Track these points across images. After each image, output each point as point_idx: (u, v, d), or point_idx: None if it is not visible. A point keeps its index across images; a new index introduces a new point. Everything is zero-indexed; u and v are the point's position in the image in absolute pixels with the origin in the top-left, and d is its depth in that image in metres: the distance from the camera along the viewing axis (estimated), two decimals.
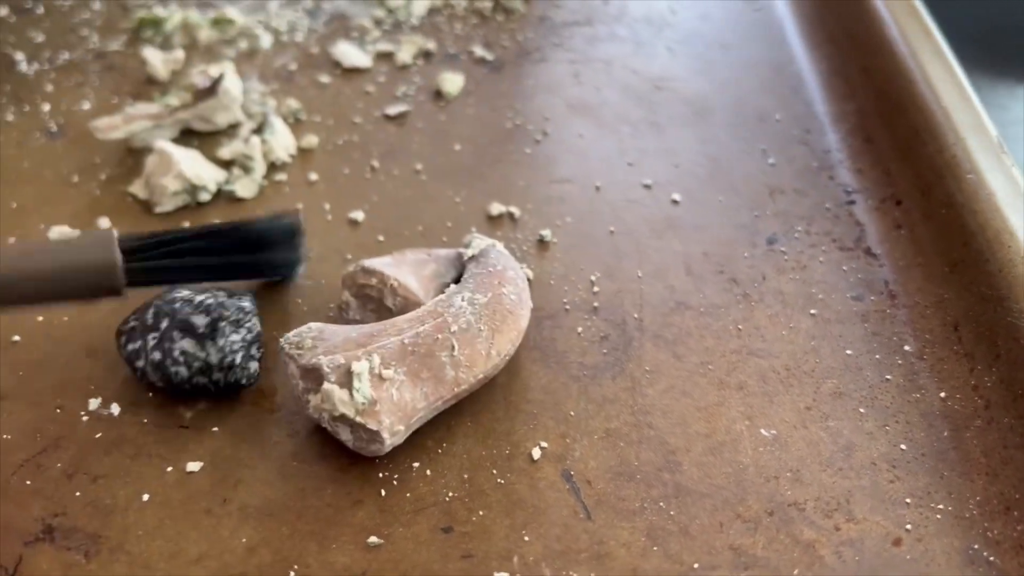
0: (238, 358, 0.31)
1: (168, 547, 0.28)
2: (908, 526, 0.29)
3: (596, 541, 0.28)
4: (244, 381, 0.32)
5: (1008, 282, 0.33)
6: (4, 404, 0.33)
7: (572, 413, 0.32)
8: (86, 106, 0.49)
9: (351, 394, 0.28)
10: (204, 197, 0.42)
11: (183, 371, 0.31)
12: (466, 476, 0.30)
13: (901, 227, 0.40)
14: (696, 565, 0.28)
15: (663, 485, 0.30)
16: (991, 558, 0.28)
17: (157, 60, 0.51)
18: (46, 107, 0.49)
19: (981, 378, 0.33)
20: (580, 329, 0.35)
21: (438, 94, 0.49)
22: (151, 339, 0.31)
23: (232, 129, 0.46)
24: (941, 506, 0.29)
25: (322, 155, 0.45)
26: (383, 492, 0.30)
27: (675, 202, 0.42)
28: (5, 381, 0.34)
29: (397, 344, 0.30)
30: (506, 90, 0.50)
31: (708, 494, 0.30)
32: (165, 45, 0.54)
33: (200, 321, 0.31)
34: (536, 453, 0.31)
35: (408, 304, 0.33)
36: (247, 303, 0.32)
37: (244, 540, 0.28)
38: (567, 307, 0.36)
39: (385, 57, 0.53)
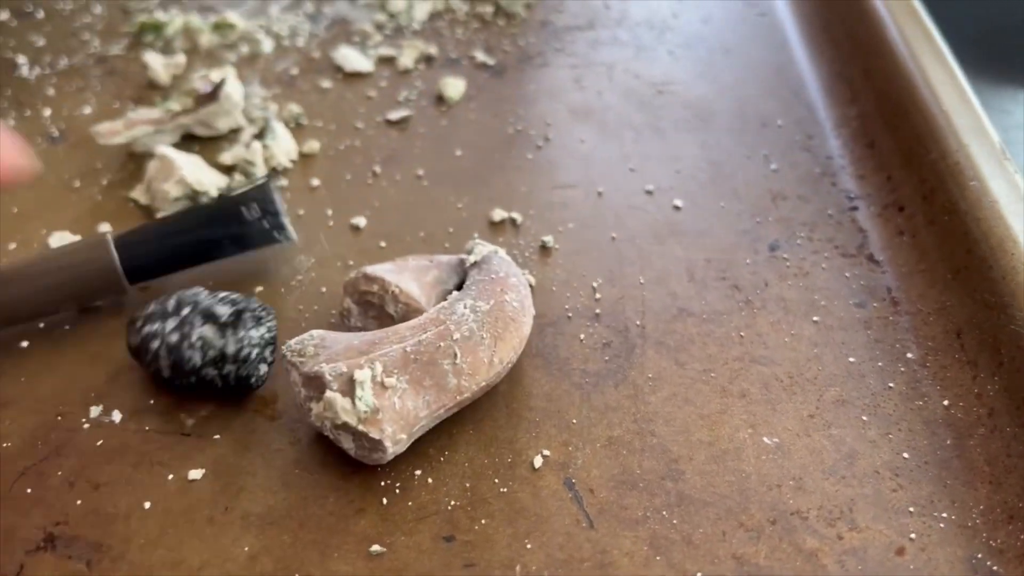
0: (253, 353, 0.32)
1: (170, 556, 0.28)
2: (912, 535, 0.29)
3: (599, 550, 0.28)
4: (253, 381, 0.32)
5: (1011, 289, 0.33)
6: (6, 411, 0.33)
7: (574, 421, 0.32)
8: (87, 111, 0.49)
9: (353, 402, 0.28)
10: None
11: (196, 358, 0.31)
12: (468, 484, 0.30)
13: (904, 234, 0.40)
14: (699, 574, 0.28)
15: (666, 494, 0.30)
16: (995, 567, 0.28)
17: (158, 65, 0.51)
18: (47, 112, 0.49)
19: (984, 386, 0.33)
20: (582, 336, 0.35)
21: (440, 99, 0.49)
22: (171, 323, 0.32)
23: (233, 134, 0.46)
24: (944, 515, 0.29)
25: (324, 160, 0.45)
26: (385, 500, 0.30)
27: (677, 208, 0.42)
28: (6, 388, 0.34)
29: (399, 352, 0.30)
30: (508, 95, 0.50)
31: (711, 503, 0.30)
32: (166, 50, 0.54)
33: (224, 310, 0.32)
34: (538, 461, 0.31)
35: (410, 311, 0.33)
36: (269, 307, 0.33)
37: (246, 549, 0.28)
38: (569, 314, 0.36)
39: (387, 62, 0.53)
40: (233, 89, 0.46)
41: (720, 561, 0.28)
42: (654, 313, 0.36)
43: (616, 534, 0.29)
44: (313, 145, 0.46)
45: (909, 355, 0.35)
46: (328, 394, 0.29)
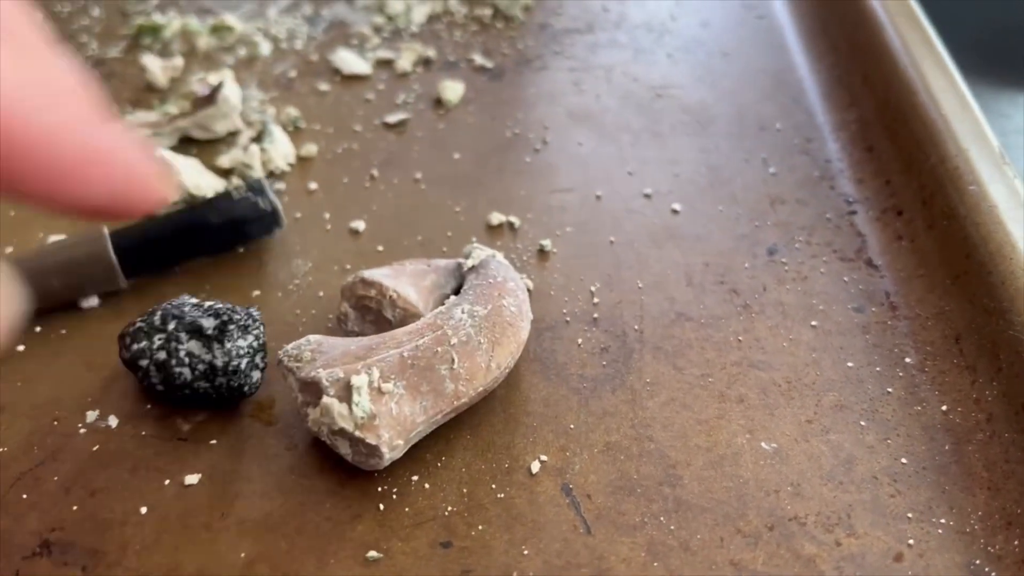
0: (243, 363, 0.31)
1: (166, 562, 0.28)
2: (910, 541, 0.28)
3: (596, 556, 0.28)
4: (246, 389, 0.32)
5: (1010, 295, 0.33)
6: (1, 416, 0.33)
7: (572, 426, 0.32)
8: None
9: (350, 408, 0.28)
10: None
11: (186, 373, 0.31)
12: (465, 490, 0.30)
13: (902, 238, 0.40)
14: None
15: (663, 499, 0.30)
16: (993, 573, 0.28)
17: (156, 67, 0.51)
18: None
19: (983, 391, 0.33)
20: (580, 341, 0.35)
21: (438, 102, 0.49)
22: (157, 339, 0.31)
23: (231, 137, 0.46)
24: (943, 521, 0.29)
25: (321, 164, 0.45)
26: (382, 506, 0.29)
27: (675, 212, 0.42)
28: (2, 393, 0.33)
29: (396, 357, 0.29)
30: (506, 98, 0.50)
31: (708, 508, 0.29)
32: (164, 52, 0.54)
33: (209, 323, 0.31)
34: (535, 467, 0.31)
35: (407, 316, 0.33)
36: (255, 312, 0.32)
37: (242, 555, 0.28)
38: (567, 318, 0.36)
39: (385, 64, 0.53)
40: (231, 92, 0.46)
41: (718, 567, 0.28)
42: (652, 318, 0.36)
43: (613, 540, 0.29)
44: (311, 148, 0.46)
45: (908, 360, 0.34)
46: (325, 400, 0.28)
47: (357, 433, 0.28)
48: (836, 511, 0.29)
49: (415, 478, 0.30)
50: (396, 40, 0.55)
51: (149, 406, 0.33)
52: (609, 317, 0.36)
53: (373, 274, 0.34)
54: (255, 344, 0.32)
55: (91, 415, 0.33)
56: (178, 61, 0.52)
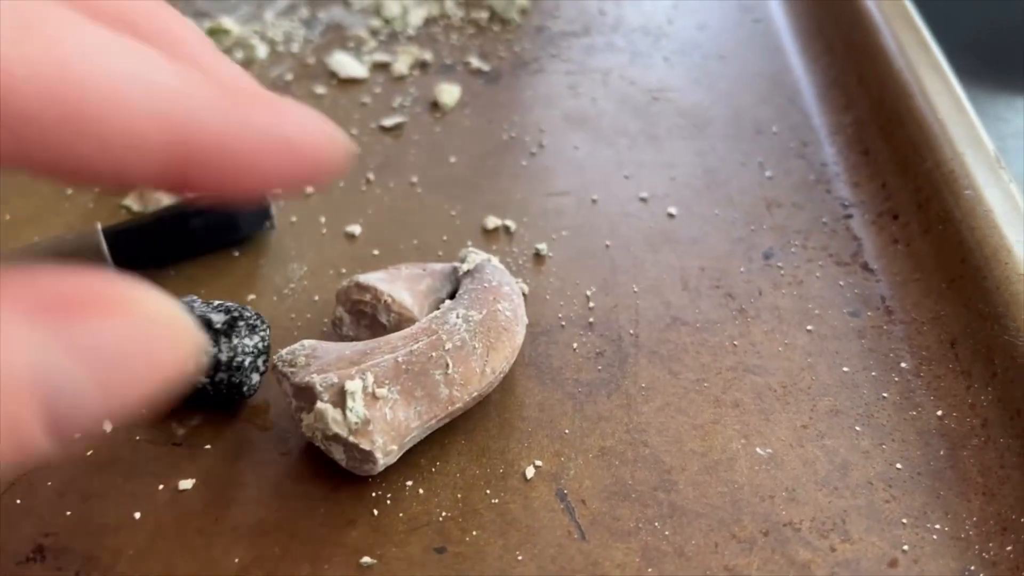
0: (246, 361, 0.31)
1: (160, 567, 0.28)
2: (904, 547, 0.28)
3: (590, 562, 0.28)
4: (245, 389, 0.32)
5: (1005, 299, 0.33)
6: None
7: (567, 431, 0.32)
8: None
9: (344, 414, 0.28)
10: None
11: None
12: (459, 495, 0.30)
13: (898, 242, 0.39)
14: None
15: (658, 505, 0.30)
16: None
17: None
18: None
19: (978, 396, 0.33)
20: (575, 345, 0.35)
21: (434, 105, 0.49)
22: None
23: None
24: (938, 526, 0.29)
25: None
26: (376, 512, 0.29)
27: (671, 215, 0.42)
28: None
29: (391, 362, 0.29)
30: (503, 101, 0.50)
31: (703, 514, 0.29)
32: None
33: (218, 318, 0.31)
34: (530, 472, 0.31)
35: (402, 320, 0.33)
36: (262, 316, 0.33)
37: (236, 560, 0.28)
38: (562, 323, 0.36)
39: (381, 68, 0.53)
40: None
41: (712, 573, 0.28)
42: (647, 322, 0.36)
43: (608, 546, 0.28)
44: None
45: (903, 365, 0.34)
46: (319, 405, 0.28)
47: (351, 438, 0.28)
48: (831, 516, 0.29)
49: (409, 483, 0.30)
50: (393, 43, 0.55)
51: (143, 410, 0.33)
52: (604, 321, 0.36)
53: (368, 278, 0.34)
54: (260, 345, 0.32)
55: None
56: None
